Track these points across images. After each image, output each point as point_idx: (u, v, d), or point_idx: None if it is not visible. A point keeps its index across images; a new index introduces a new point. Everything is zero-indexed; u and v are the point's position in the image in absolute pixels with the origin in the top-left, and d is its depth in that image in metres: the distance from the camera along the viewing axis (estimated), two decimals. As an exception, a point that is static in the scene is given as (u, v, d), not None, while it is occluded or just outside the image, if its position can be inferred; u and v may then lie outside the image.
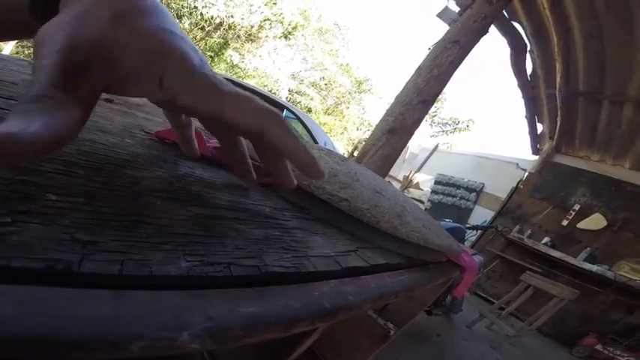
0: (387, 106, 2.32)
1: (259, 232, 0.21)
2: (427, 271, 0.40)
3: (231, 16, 8.31)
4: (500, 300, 3.06)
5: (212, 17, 7.92)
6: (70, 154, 0.20)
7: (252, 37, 9.11)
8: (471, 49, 2.35)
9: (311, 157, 0.23)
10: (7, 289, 0.10)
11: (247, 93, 0.21)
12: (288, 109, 3.91)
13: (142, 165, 0.23)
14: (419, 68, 2.32)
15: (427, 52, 2.37)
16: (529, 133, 4.93)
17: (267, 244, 0.20)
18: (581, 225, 4.12)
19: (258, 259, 0.18)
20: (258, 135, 0.21)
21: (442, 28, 2.52)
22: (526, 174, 4.91)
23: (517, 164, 5.33)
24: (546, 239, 4.20)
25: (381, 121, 2.24)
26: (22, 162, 0.16)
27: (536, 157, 5.04)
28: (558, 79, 3.60)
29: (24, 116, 0.13)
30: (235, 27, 8.67)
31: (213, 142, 0.34)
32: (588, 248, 3.93)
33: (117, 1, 0.18)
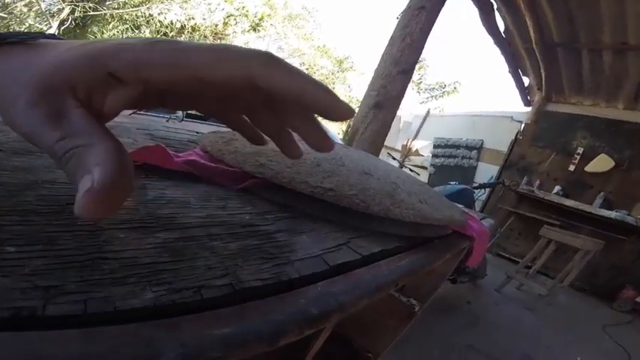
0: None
1: (234, 246, 0.21)
2: (432, 249, 0.39)
3: (192, 18, 8.20)
4: (524, 259, 2.93)
5: (172, 22, 7.81)
6: (27, 202, 0.19)
7: (219, 36, 8.98)
8: (438, 14, 2.31)
9: (328, 91, 0.18)
10: None
11: (223, 44, 0.18)
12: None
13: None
14: (391, 38, 2.28)
15: (396, 21, 2.33)
16: (517, 87, 4.86)
17: (243, 257, 0.20)
18: (589, 168, 4.05)
19: (231, 277, 0.17)
20: (248, 83, 0.17)
21: None
22: (522, 125, 4.84)
23: (511, 117, 5.26)
24: (557, 188, 4.14)
25: (365, 97, 2.22)
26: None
27: (529, 109, 4.97)
28: (532, 34, 3.53)
29: (79, 173, 0.14)
30: (199, 28, 8.55)
31: (184, 156, 0.33)
32: (602, 193, 3.84)
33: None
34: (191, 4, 8.27)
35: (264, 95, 0.19)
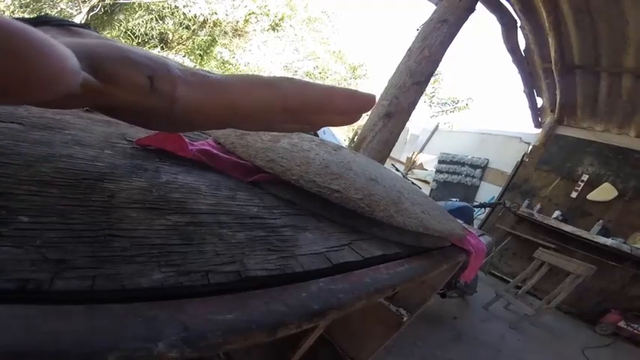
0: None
1: (242, 235, 0.21)
2: (430, 259, 0.39)
3: (215, 13, 8.25)
4: (515, 279, 2.99)
5: (195, 16, 7.89)
6: (44, 174, 0.20)
7: (239, 32, 9.04)
8: (460, 28, 2.30)
9: (347, 91, 0.19)
10: None
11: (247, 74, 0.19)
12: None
13: (121, 176, 0.23)
14: (409, 50, 2.28)
15: (416, 33, 2.33)
16: (529, 108, 4.85)
17: (250, 247, 0.20)
18: (592, 196, 4.04)
19: (238, 264, 0.18)
20: (282, 108, 0.18)
21: (430, 8, 2.48)
22: (530, 147, 4.83)
23: (520, 138, 5.25)
24: (557, 213, 4.14)
25: (376, 105, 2.19)
26: None
27: (538, 131, 4.96)
28: (553, 54, 3.51)
29: None
30: (221, 23, 8.62)
31: (197, 145, 0.34)
32: (600, 221, 3.84)
33: None
34: (216, -2, 8.35)
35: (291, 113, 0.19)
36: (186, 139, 0.32)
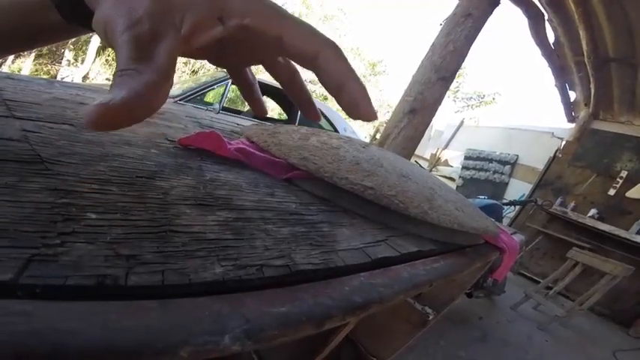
0: (405, 86, 2.27)
1: (286, 231, 0.22)
2: (464, 256, 0.39)
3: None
4: (546, 279, 2.88)
5: None
6: (102, 172, 0.21)
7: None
8: (485, 22, 2.24)
9: (363, 89, 0.21)
10: (66, 306, 0.11)
11: (306, 22, 0.21)
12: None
13: (170, 174, 0.24)
14: (433, 45, 2.24)
15: (439, 28, 2.28)
16: (562, 102, 4.62)
17: (295, 242, 0.21)
18: (631, 194, 3.80)
19: (287, 259, 0.18)
20: (313, 59, 0.20)
21: (452, 2, 2.42)
22: (563, 142, 4.60)
23: (552, 133, 5.01)
24: (593, 211, 3.93)
25: (400, 102, 2.19)
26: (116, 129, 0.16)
27: (572, 125, 4.72)
28: (585, 47, 3.32)
29: (114, 89, 0.15)
30: None
31: (235, 144, 0.35)
32: (641, 220, 3.64)
33: None
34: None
35: (316, 67, 0.21)
36: (224, 139, 0.33)
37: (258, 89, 0.30)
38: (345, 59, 0.20)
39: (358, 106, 0.20)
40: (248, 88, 0.29)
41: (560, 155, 4.48)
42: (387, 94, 12.88)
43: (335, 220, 0.29)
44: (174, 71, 0.17)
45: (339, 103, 0.21)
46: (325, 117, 3.67)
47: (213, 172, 0.28)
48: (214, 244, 0.17)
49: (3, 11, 0.21)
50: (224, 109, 3.11)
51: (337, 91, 0.21)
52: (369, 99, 0.20)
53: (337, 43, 0.21)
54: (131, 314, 0.11)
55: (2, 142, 0.22)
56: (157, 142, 0.32)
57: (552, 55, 3.79)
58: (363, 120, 0.21)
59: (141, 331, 0.11)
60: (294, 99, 0.28)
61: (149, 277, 0.13)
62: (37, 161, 0.21)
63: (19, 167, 0.19)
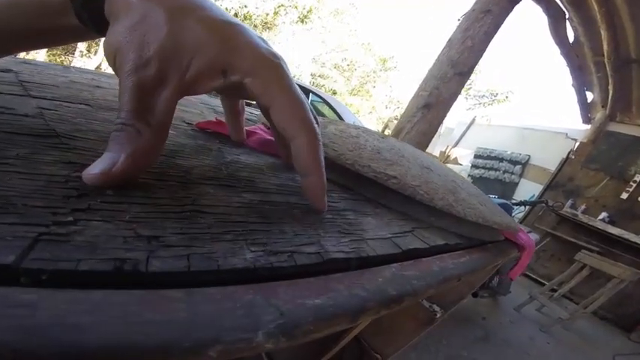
0: (415, 82, 2.23)
1: (312, 216, 0.20)
2: (487, 251, 0.37)
3: (245, 6, 8.34)
4: (552, 281, 2.85)
5: (226, 9, 8.03)
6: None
7: (268, 25, 9.09)
8: (504, 19, 2.20)
9: (321, 185, 0.22)
10: (77, 296, 0.09)
11: (302, 99, 0.21)
12: (315, 93, 3.87)
13: (190, 154, 0.22)
14: (449, 40, 2.20)
15: (457, 23, 2.24)
16: (578, 102, 4.51)
17: (323, 229, 0.19)
18: (644, 198, 3.73)
19: (317, 246, 0.17)
20: (289, 139, 0.21)
21: (466, 2, 2.37)
22: (577, 144, 4.50)
23: (566, 134, 4.91)
24: (603, 214, 3.85)
25: (414, 96, 2.15)
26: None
27: (587, 127, 4.61)
28: (606, 47, 3.22)
29: (113, 148, 0.16)
30: (251, 16, 8.72)
31: (250, 129, 0.34)
32: (653, 224, 3.56)
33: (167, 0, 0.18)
34: (246, -9, 8.47)
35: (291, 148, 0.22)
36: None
37: (243, 119, 0.31)
38: (316, 150, 0.21)
39: (312, 198, 0.22)
40: (234, 116, 0.30)
41: (574, 157, 4.39)
42: (396, 91, 12.76)
43: (359, 208, 0.27)
44: (170, 123, 0.18)
45: (300, 183, 0.22)
46: (334, 110, 3.64)
47: (233, 154, 0.27)
48: (241, 226, 0.15)
49: (20, 10, 0.21)
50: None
51: (300, 175, 0.22)
52: (322, 195, 0.22)
53: (315, 128, 0.21)
54: (154, 306, 0.10)
55: (17, 118, 0.21)
56: (174, 124, 0.30)
57: (571, 54, 3.69)
58: (315, 208, 0.22)
59: (166, 327, 0.09)
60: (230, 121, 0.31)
61: (173, 262, 0.11)
62: (51, 135, 0.20)
63: (33, 140, 0.18)
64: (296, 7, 9.28)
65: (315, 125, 0.21)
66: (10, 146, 0.17)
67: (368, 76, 12.14)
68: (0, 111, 0.21)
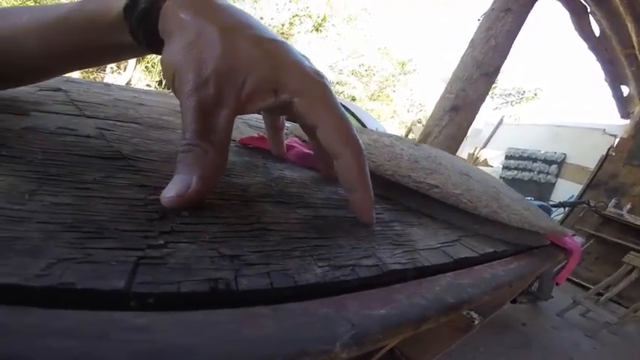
0: (436, 84, 2.21)
1: (363, 229, 0.21)
2: (534, 256, 0.36)
3: (261, 18, 8.55)
4: (597, 285, 2.68)
5: None
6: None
7: (285, 35, 9.25)
8: (526, 16, 2.16)
9: (370, 201, 0.22)
10: (183, 317, 0.10)
11: (346, 117, 0.21)
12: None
13: (241, 172, 0.24)
14: (472, 41, 2.18)
15: (477, 23, 2.21)
16: (613, 97, 4.27)
17: (376, 241, 0.20)
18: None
19: (375, 258, 0.17)
20: (335, 156, 0.22)
21: (483, 1, 2.34)
22: (617, 140, 4.23)
23: (604, 130, 4.63)
24: (653, 214, 3.59)
25: (440, 99, 2.13)
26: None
27: (626, 121, 4.33)
28: (634, 38, 3.04)
29: (183, 169, 0.17)
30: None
31: (287, 142, 0.35)
32: None
33: (220, 18, 0.18)
34: (261, 4, 8.68)
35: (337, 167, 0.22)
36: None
37: (283, 134, 0.32)
38: (362, 166, 0.21)
39: (361, 213, 0.22)
40: (275, 131, 0.31)
41: (614, 153, 4.12)
42: (417, 93, 12.58)
43: (403, 219, 0.28)
44: (230, 142, 0.19)
45: (347, 198, 0.22)
46: (355, 117, 3.64)
47: (277, 170, 0.28)
48: (305, 242, 0.16)
49: (72, 27, 0.22)
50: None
51: (346, 190, 0.22)
52: (370, 209, 0.22)
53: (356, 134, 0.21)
54: (248, 324, 0.10)
55: (82, 140, 0.22)
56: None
57: (600, 48, 3.52)
58: (363, 222, 0.22)
59: (261, 343, 0.10)
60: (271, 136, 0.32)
61: (257, 279, 0.12)
62: (118, 157, 0.21)
63: (104, 163, 0.19)
64: (310, 17, 9.43)
65: (360, 142, 0.22)
66: (86, 170, 0.18)
67: (387, 80, 12.07)
68: (65, 132, 0.22)
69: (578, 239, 0.84)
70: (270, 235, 0.16)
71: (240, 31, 0.19)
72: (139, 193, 0.17)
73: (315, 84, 0.20)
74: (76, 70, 0.28)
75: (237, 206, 0.18)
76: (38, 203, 0.14)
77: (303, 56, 0.21)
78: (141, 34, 0.20)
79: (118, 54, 0.25)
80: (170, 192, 0.16)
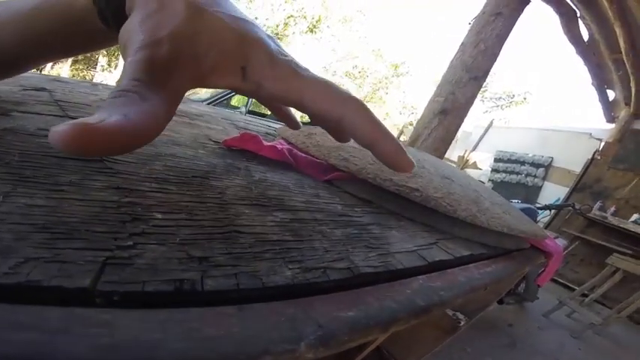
0: (429, 87, 2.24)
1: (339, 232, 0.21)
2: (513, 259, 0.37)
3: (256, 18, 8.55)
4: (582, 286, 2.75)
5: None
6: (159, 171, 0.21)
7: (279, 36, 9.26)
8: (516, 20, 2.20)
9: (397, 146, 0.20)
10: (146, 315, 0.10)
11: (327, 80, 0.20)
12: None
13: (222, 174, 0.24)
14: (462, 44, 2.21)
15: (468, 27, 2.25)
16: (600, 101, 4.38)
17: (350, 244, 0.20)
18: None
19: (347, 261, 0.18)
20: (338, 122, 0.20)
21: (477, 3, 2.37)
22: (602, 144, 4.34)
23: (590, 134, 4.75)
24: (635, 216, 3.68)
25: (430, 102, 2.16)
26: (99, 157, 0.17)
27: (611, 126, 4.45)
28: (622, 44, 3.13)
29: (106, 110, 0.13)
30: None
31: (272, 144, 0.35)
32: (688, 225, 3.38)
33: None
34: (255, 4, 8.66)
35: (344, 130, 0.20)
36: (263, 141, 0.33)
37: (292, 112, 0.29)
38: (370, 116, 0.20)
39: (394, 165, 0.20)
40: (283, 113, 0.29)
41: (599, 157, 4.23)
42: (410, 96, 12.70)
43: (383, 222, 0.28)
44: (175, 110, 0.17)
45: (374, 155, 0.21)
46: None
47: (259, 172, 0.28)
48: (278, 245, 0.16)
49: (44, 16, 0.21)
50: (249, 112, 3.18)
51: (370, 148, 0.20)
52: (404, 152, 0.20)
53: (358, 98, 0.20)
54: (212, 322, 0.11)
55: None
56: (202, 143, 0.32)
57: (588, 52, 3.61)
58: (400, 171, 0.21)
59: (223, 341, 0.10)
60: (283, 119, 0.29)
61: (224, 280, 0.13)
62: (95, 159, 0.21)
63: (81, 165, 0.19)
64: (305, 18, 9.45)
65: (356, 96, 0.20)
66: (62, 172, 0.18)
67: (380, 82, 12.15)
68: (44, 134, 0.22)
69: (562, 242, 0.86)
70: (242, 238, 0.16)
71: (210, 7, 0.18)
72: (114, 195, 0.17)
73: (283, 64, 0.19)
74: (49, 61, 0.27)
75: (213, 209, 0.18)
76: (12, 205, 0.14)
77: (270, 37, 0.20)
78: (109, 15, 0.20)
79: (91, 41, 0.24)
80: (65, 125, 0.11)
